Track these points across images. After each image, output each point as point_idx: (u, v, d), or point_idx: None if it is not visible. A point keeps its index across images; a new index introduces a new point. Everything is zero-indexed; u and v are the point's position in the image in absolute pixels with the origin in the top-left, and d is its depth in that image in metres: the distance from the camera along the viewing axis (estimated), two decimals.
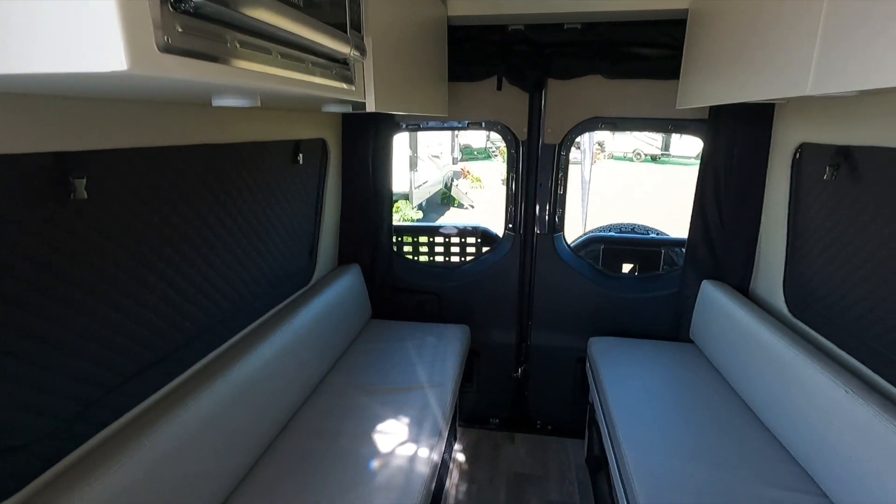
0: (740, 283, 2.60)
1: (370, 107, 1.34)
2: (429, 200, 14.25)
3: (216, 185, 1.69)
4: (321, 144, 2.46)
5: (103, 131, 1.19)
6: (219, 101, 1.02)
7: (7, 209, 1.01)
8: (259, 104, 1.02)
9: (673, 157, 25.25)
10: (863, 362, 1.73)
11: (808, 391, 1.75)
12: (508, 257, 3.07)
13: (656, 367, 2.51)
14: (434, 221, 13.50)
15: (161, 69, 0.61)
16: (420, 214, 10.64)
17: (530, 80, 2.66)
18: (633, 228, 4.10)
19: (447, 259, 3.45)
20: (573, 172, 2.93)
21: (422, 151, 13.99)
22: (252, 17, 0.74)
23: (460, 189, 15.72)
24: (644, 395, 2.25)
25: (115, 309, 1.32)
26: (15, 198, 1.02)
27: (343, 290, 2.72)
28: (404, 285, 3.16)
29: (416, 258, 3.46)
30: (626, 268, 3.31)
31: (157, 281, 1.46)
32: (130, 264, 1.35)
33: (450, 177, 15.26)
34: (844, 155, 1.80)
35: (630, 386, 2.32)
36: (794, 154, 2.14)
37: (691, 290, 2.74)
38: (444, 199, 15.33)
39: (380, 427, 2.01)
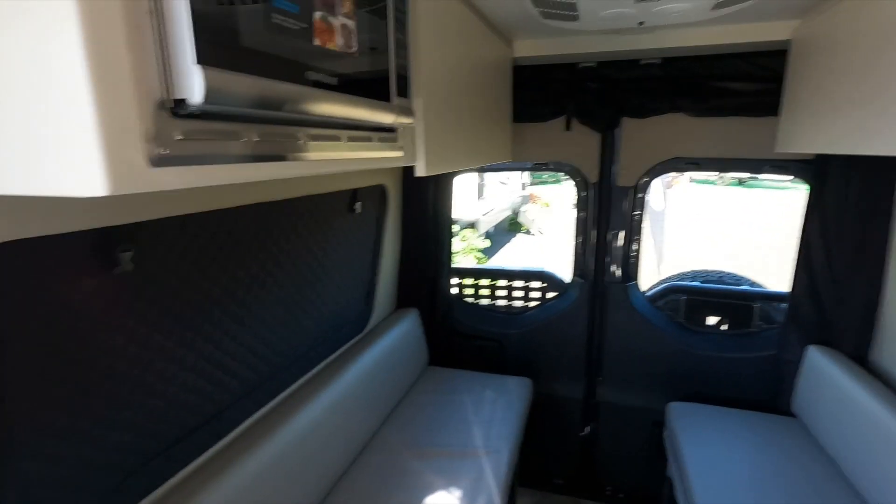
0: (856, 350, 2.19)
1: (420, 171, 1.24)
2: (496, 226, 14.10)
3: (268, 241, 1.66)
4: (380, 191, 2.42)
5: (151, 202, 1.18)
6: None
7: (57, 287, 1.00)
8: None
9: (761, 179, 23.29)
10: None
11: None
12: (576, 305, 2.83)
13: (750, 444, 2.16)
14: (502, 247, 13.31)
15: (154, 184, 0.53)
16: (487, 243, 10.50)
17: (602, 120, 2.47)
18: (720, 277, 3.65)
19: (509, 304, 3.28)
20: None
21: (489, 178, 13.93)
22: (274, 111, 0.65)
23: (528, 215, 15.44)
24: (735, 477, 1.92)
25: (160, 377, 1.30)
26: (63, 276, 1.01)
27: (400, 336, 2.63)
28: (464, 330, 3.02)
29: (476, 301, 3.32)
30: (712, 321, 2.95)
31: (203, 344, 1.43)
32: (175, 330, 1.33)
33: (518, 203, 15.07)
34: None
35: (718, 465, 2.00)
36: None
37: (793, 355, 2.36)
38: (511, 226, 15.12)
39: (429, 500, 1.86)
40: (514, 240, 14.44)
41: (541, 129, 2.61)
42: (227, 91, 0.55)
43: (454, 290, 3.23)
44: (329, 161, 0.86)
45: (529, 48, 2.26)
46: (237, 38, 0.57)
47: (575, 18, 1.61)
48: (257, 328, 1.67)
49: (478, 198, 11.34)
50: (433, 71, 1.30)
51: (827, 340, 2.27)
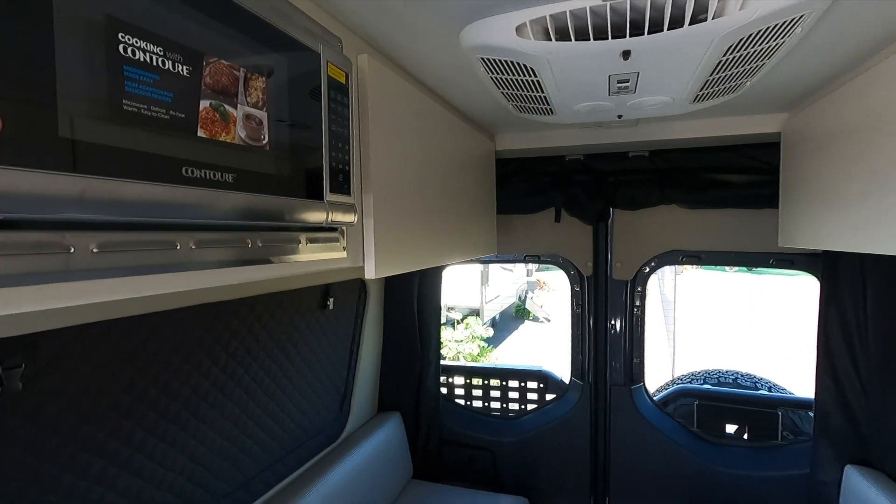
0: None
1: (369, 273, 1.10)
2: (502, 314, 13.82)
3: (215, 347, 1.49)
4: (358, 285, 2.28)
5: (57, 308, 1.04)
6: None
7: None
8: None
9: None
10: None
11: None
12: (577, 411, 2.55)
13: None
14: (508, 335, 12.90)
15: None
16: (490, 332, 10.18)
17: (592, 213, 2.37)
18: (735, 379, 3.34)
19: (504, 405, 2.99)
20: (651, 284, 2.46)
21: (493, 264, 13.91)
22: (126, 215, 0.52)
23: (535, 301, 15.21)
24: None
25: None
26: None
27: (379, 445, 2.34)
28: (453, 437, 2.72)
29: (468, 402, 3.03)
30: (730, 430, 2.64)
31: (117, 473, 1.21)
32: (78, 458, 1.12)
33: (524, 289, 14.92)
34: None
35: None
36: None
37: (829, 475, 2.03)
38: (518, 313, 14.84)
39: None
40: (521, 327, 14.07)
41: (530, 220, 2.51)
42: (14, 193, 0.42)
43: (443, 391, 2.96)
44: (228, 272, 0.72)
45: (512, 141, 2.22)
46: (52, 127, 0.45)
47: (550, 112, 1.56)
48: (193, 449, 1.43)
49: (481, 284, 11.21)
50: (392, 166, 1.20)
51: (867, 459, 1.96)
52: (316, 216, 0.85)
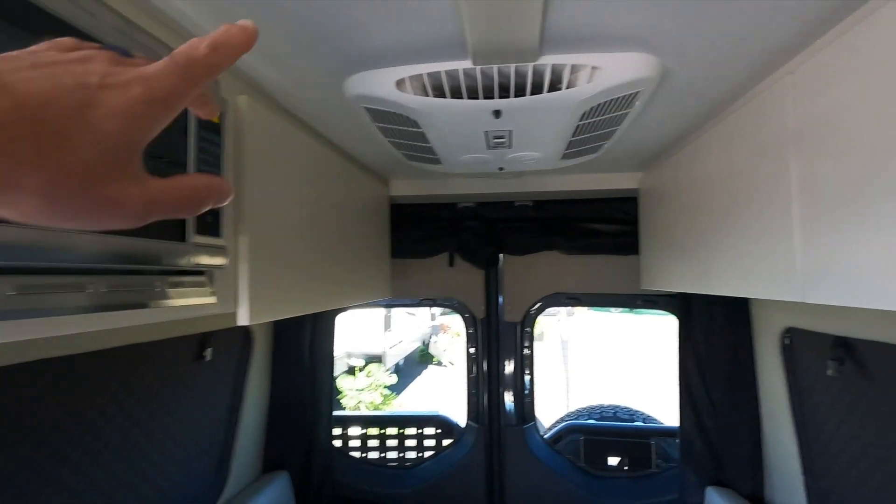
0: (752, 490, 2.11)
1: (242, 319, 1.04)
2: (406, 359, 13.63)
3: (57, 411, 1.28)
4: (241, 333, 2.12)
5: None
6: None
7: None
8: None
9: None
10: None
11: None
12: (473, 454, 2.55)
13: None
14: (412, 381, 12.70)
15: None
16: (394, 379, 9.95)
17: (483, 258, 2.49)
18: (615, 413, 3.61)
19: (401, 454, 2.90)
20: (548, 324, 2.62)
21: (396, 309, 13.81)
22: None
23: (439, 346, 15.25)
24: None
25: None
26: None
27: None
28: (346, 493, 2.56)
29: (364, 454, 2.90)
30: (613, 462, 2.81)
31: None
32: None
33: (428, 334, 14.92)
34: (846, 347, 1.51)
35: None
36: (782, 339, 1.87)
37: (693, 498, 2.22)
38: (422, 357, 14.75)
39: None
40: (424, 372, 13.95)
41: (424, 265, 2.56)
42: None
43: (337, 443, 2.81)
44: (60, 321, 0.64)
45: (405, 188, 2.29)
46: None
47: (438, 162, 1.64)
48: None
49: (384, 329, 11.03)
50: (272, 208, 1.17)
51: (724, 480, 2.18)
52: (177, 259, 0.80)
